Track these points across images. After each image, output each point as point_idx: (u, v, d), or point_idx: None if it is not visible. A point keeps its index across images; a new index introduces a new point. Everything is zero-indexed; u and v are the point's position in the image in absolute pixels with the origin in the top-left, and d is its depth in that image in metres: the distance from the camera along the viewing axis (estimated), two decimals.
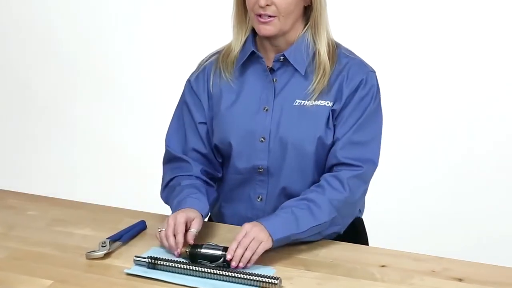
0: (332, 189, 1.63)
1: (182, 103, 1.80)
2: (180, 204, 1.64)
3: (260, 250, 1.50)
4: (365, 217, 1.88)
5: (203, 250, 1.51)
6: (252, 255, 1.49)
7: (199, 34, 3.26)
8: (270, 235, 1.53)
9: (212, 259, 1.50)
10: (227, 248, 1.50)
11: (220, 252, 1.50)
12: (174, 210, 1.65)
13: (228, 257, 1.48)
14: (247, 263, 1.48)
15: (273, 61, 1.71)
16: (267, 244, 1.52)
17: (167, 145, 1.79)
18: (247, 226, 1.54)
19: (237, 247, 1.49)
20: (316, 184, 1.66)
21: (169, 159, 1.79)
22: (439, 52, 3.06)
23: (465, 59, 3.04)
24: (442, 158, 3.10)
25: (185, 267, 1.48)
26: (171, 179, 1.75)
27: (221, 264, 1.49)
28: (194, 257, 1.51)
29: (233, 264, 1.48)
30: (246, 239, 1.50)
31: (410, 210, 3.10)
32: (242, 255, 1.48)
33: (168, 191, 1.75)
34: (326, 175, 1.66)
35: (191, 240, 1.55)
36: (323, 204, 1.61)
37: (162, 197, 1.78)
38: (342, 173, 1.64)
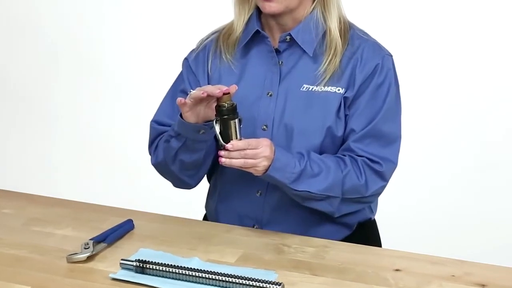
0: (352, 171, 1.64)
1: (178, 82, 1.80)
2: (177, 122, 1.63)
3: (249, 170, 1.57)
4: (377, 218, 1.88)
5: (231, 122, 1.54)
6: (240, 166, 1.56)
7: (193, 15, 3.24)
8: (269, 167, 1.57)
9: (225, 131, 1.54)
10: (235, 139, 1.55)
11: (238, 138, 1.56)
12: (176, 123, 1.63)
13: (228, 146, 1.54)
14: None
15: (279, 42, 1.70)
16: (258, 170, 1.57)
17: (157, 123, 1.77)
18: (266, 143, 1.57)
19: (238, 150, 1.54)
20: (338, 155, 1.67)
21: (157, 137, 1.76)
22: (456, 43, 3.05)
23: (484, 52, 3.03)
24: (461, 154, 3.10)
25: (177, 271, 1.48)
26: (160, 139, 1.73)
27: (220, 146, 1.55)
28: (219, 113, 1.54)
29: (221, 160, 1.55)
30: (252, 152, 1.55)
31: (427, 209, 3.10)
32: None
33: (159, 145, 1.72)
34: (347, 153, 1.67)
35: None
36: (334, 179, 1.63)
37: (153, 161, 1.75)
38: (360, 160, 1.66)
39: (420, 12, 3.06)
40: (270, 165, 1.58)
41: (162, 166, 1.74)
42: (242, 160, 1.55)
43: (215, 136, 1.58)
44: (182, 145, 1.65)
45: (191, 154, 1.67)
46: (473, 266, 1.56)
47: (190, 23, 3.09)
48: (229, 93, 1.55)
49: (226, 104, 1.55)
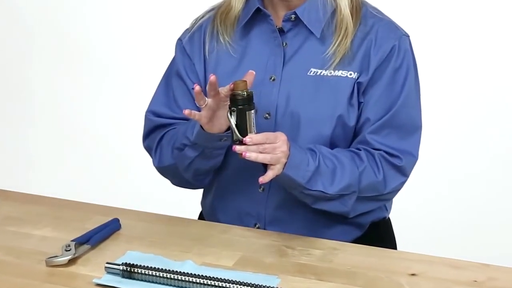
0: (369, 167, 1.65)
1: (171, 69, 1.80)
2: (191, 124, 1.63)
3: (270, 168, 1.54)
4: (392, 216, 1.88)
5: (248, 113, 1.53)
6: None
7: None
8: (285, 165, 1.56)
9: (241, 123, 1.52)
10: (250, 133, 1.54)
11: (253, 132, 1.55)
12: (189, 128, 1.64)
13: (247, 140, 1.51)
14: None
15: (283, 21, 1.70)
16: (275, 171, 1.54)
17: (153, 113, 1.78)
18: (283, 138, 1.56)
19: (257, 144, 1.52)
20: (352, 149, 1.67)
21: (153, 129, 1.78)
22: (480, 23, 3.05)
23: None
24: (485, 146, 3.11)
25: (168, 276, 1.48)
26: (161, 138, 1.74)
27: (233, 138, 1.54)
28: (234, 103, 1.53)
29: (237, 148, 1.52)
30: (270, 146, 1.53)
31: (446, 208, 3.11)
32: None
33: (164, 148, 1.73)
34: (362, 147, 1.67)
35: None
36: (350, 176, 1.63)
37: (155, 163, 1.76)
38: (378, 154, 1.66)
39: None
40: (286, 163, 1.57)
41: (170, 171, 1.75)
42: (268, 156, 1.53)
43: (230, 128, 1.56)
44: (200, 154, 1.66)
45: (208, 160, 1.69)
46: (497, 270, 1.56)
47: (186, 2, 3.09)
48: (245, 80, 1.54)
49: (242, 93, 1.53)
